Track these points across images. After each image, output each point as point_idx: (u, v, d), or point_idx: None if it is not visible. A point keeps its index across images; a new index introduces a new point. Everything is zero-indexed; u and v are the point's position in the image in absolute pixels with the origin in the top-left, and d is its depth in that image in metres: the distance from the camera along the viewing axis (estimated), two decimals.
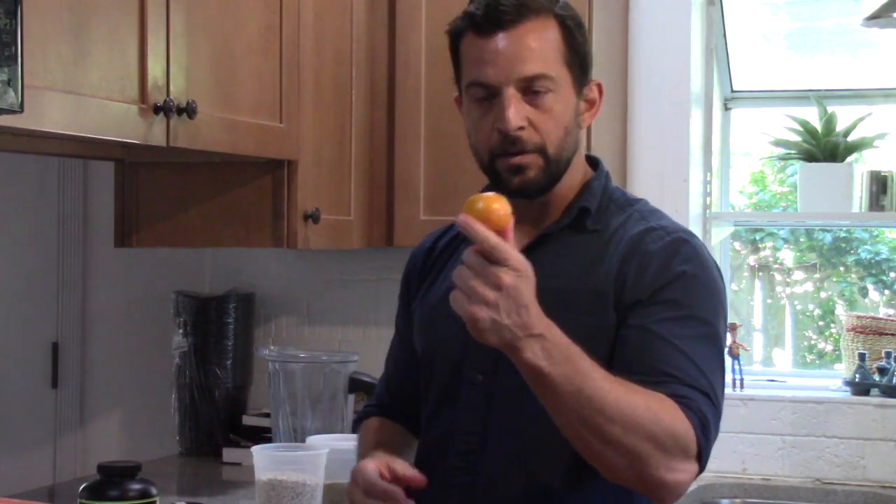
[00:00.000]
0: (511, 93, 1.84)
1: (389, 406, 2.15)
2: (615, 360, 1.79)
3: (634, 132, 3.52)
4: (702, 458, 1.74)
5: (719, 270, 1.91)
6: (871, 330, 3.55)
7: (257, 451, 2.48)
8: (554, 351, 1.62)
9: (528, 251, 1.85)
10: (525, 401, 1.73)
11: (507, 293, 1.57)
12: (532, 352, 1.60)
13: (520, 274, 1.59)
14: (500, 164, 1.88)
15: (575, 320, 1.75)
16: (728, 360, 3.58)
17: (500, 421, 1.89)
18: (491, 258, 1.58)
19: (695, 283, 1.84)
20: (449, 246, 2.07)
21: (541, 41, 1.84)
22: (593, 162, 2.02)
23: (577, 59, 1.89)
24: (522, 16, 1.84)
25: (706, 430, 1.73)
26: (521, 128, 1.84)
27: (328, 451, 2.53)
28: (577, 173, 1.96)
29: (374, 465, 1.87)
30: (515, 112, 1.83)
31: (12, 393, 3.82)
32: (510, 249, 1.59)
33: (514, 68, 1.83)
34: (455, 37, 1.91)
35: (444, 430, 1.95)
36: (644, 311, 1.81)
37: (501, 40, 1.84)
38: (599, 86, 1.96)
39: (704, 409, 1.73)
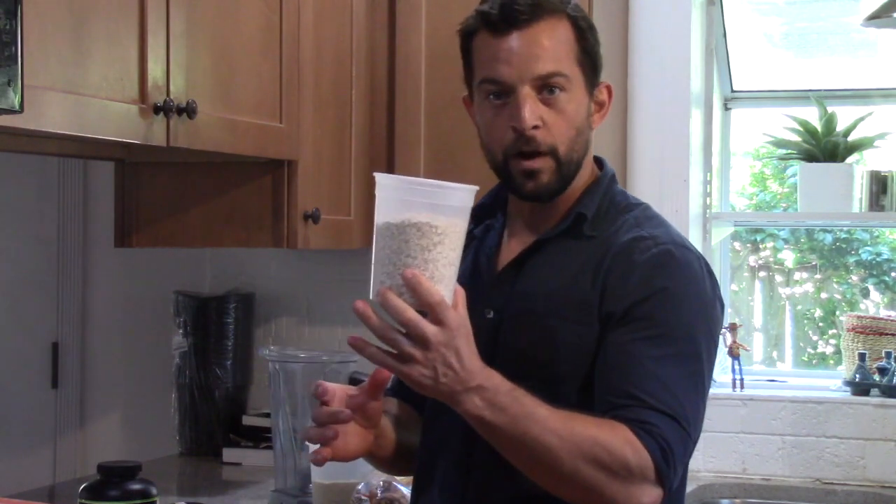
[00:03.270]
0: (526, 91, 1.83)
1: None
2: (595, 375, 1.80)
3: (634, 132, 3.52)
4: (665, 482, 1.72)
5: (714, 284, 1.87)
6: (871, 330, 3.54)
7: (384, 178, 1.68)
8: (495, 399, 1.65)
9: (524, 256, 1.90)
10: None
11: (437, 352, 1.60)
12: (472, 404, 1.65)
13: (445, 331, 1.60)
14: (513, 166, 1.87)
15: (562, 328, 1.82)
16: (728, 361, 3.59)
17: None
18: (414, 324, 1.59)
19: (674, 301, 1.80)
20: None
21: (554, 40, 1.85)
22: (599, 163, 2.00)
23: (589, 59, 1.90)
24: (537, 15, 1.83)
25: (666, 454, 1.71)
26: (536, 126, 1.83)
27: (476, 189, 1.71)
28: (584, 175, 1.94)
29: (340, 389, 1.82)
30: (530, 111, 1.83)
31: (12, 393, 3.82)
32: (438, 307, 1.59)
33: (528, 67, 1.83)
34: (467, 36, 1.90)
35: (440, 436, 1.95)
36: (621, 327, 1.79)
37: (516, 39, 1.83)
38: (609, 88, 1.95)
39: (667, 434, 1.71)
